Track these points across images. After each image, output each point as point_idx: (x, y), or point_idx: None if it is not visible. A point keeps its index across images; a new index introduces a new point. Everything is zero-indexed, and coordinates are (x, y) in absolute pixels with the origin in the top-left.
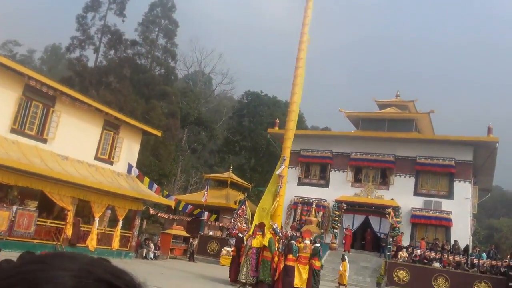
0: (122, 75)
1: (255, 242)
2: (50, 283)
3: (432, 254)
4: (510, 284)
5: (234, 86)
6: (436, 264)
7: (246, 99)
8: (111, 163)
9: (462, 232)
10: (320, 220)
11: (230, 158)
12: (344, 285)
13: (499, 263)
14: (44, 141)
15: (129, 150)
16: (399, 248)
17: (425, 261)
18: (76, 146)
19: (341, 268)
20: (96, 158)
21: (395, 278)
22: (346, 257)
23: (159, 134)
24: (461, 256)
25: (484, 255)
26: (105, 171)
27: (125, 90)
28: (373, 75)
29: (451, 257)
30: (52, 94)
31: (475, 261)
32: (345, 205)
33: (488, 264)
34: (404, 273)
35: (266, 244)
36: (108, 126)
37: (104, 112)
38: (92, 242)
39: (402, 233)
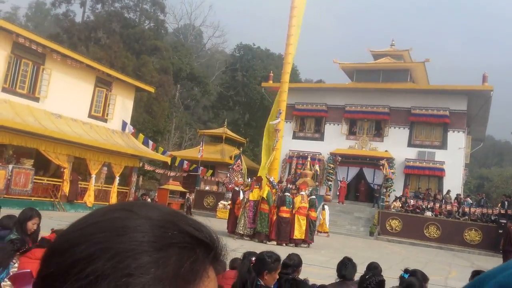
0: (111, 30)
1: (252, 195)
2: (138, 232)
3: (425, 204)
4: (500, 231)
5: (226, 39)
6: (428, 213)
7: (238, 53)
8: (105, 121)
9: (454, 182)
10: (315, 172)
11: (224, 113)
12: (325, 232)
13: (490, 211)
14: (37, 99)
15: (122, 107)
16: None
17: (418, 210)
18: (69, 104)
19: (321, 216)
20: (90, 116)
21: (388, 227)
22: (326, 206)
23: (152, 90)
24: (452, 204)
25: (469, 200)
26: (100, 129)
27: (115, 45)
28: (367, 24)
29: (442, 206)
30: (41, 52)
31: (466, 209)
32: (339, 158)
33: (479, 212)
34: (397, 222)
35: (265, 196)
36: (100, 83)
37: (96, 69)
38: (89, 199)
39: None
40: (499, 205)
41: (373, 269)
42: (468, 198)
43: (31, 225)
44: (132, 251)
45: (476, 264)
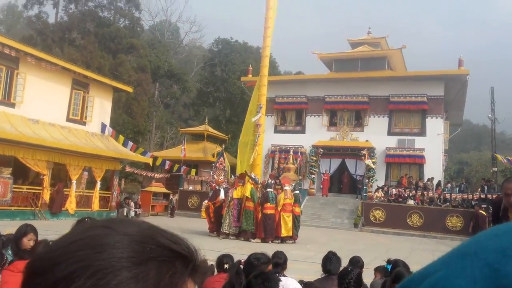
0: (86, 30)
1: (236, 193)
2: (117, 248)
3: (407, 192)
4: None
5: (203, 34)
6: (411, 202)
7: (216, 47)
8: (84, 124)
9: (434, 169)
10: (298, 166)
11: (205, 110)
12: None
13: (470, 196)
14: (12, 105)
15: (101, 108)
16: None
17: (400, 199)
18: (46, 108)
19: None
20: (68, 119)
21: (372, 218)
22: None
23: (130, 90)
24: (434, 192)
25: (449, 186)
26: (79, 132)
27: (91, 46)
28: (345, 12)
29: (424, 194)
30: (15, 56)
31: (447, 196)
32: (321, 150)
33: (460, 198)
34: (380, 213)
35: (248, 194)
36: (77, 85)
37: (72, 70)
38: (71, 205)
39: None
40: (479, 189)
41: (355, 263)
42: (448, 184)
43: (26, 241)
44: (111, 267)
45: None
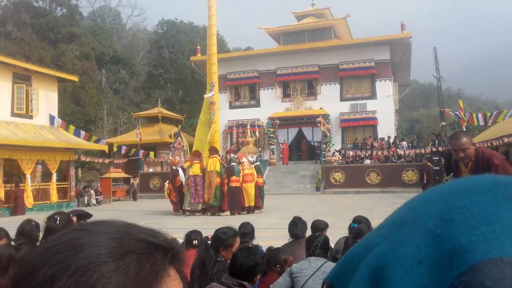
0: (21, 22)
1: (192, 171)
2: (95, 246)
3: (363, 153)
4: (434, 168)
5: (146, 17)
6: (367, 161)
7: (161, 29)
8: (31, 117)
9: (387, 128)
10: (256, 139)
11: (157, 93)
12: None
13: (423, 151)
14: None
15: (47, 100)
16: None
17: (357, 159)
18: None
19: None
20: (13, 114)
21: (332, 180)
22: None
23: (75, 79)
24: (388, 150)
25: (404, 144)
26: (26, 126)
27: (28, 37)
28: None
29: (379, 153)
30: None
31: (401, 152)
32: (278, 121)
33: (413, 154)
34: (340, 175)
35: (218, 169)
36: (18, 78)
37: (11, 64)
38: (28, 200)
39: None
40: (430, 144)
41: (316, 228)
42: (403, 142)
43: None
44: (91, 264)
45: None
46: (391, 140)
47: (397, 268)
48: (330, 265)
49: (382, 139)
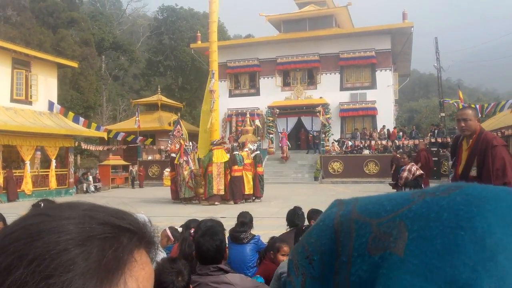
0: (21, 6)
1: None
2: (54, 233)
3: (362, 143)
4: (433, 158)
5: (146, 2)
6: (366, 152)
7: (161, 15)
8: (30, 103)
9: (386, 119)
10: (256, 127)
11: (156, 80)
12: None
13: (421, 141)
14: None
15: (46, 86)
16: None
17: (356, 149)
18: None
19: None
20: (13, 100)
21: (331, 170)
22: None
23: (75, 65)
24: (387, 140)
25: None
26: (25, 113)
27: (28, 22)
28: None
29: (378, 143)
30: None
31: (399, 143)
32: (277, 110)
33: (412, 144)
34: (338, 164)
35: (226, 160)
36: (17, 64)
37: (10, 50)
38: (27, 186)
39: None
40: (429, 134)
41: (312, 216)
42: (400, 133)
43: None
44: (48, 253)
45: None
46: (386, 131)
47: None
48: None
49: (383, 128)
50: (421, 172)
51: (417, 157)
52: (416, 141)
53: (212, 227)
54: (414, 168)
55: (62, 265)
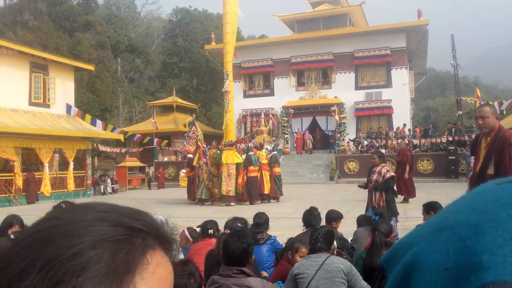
0: (38, 10)
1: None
2: (65, 237)
3: (378, 142)
4: (450, 157)
5: (160, 5)
6: (382, 151)
7: (175, 18)
8: (48, 106)
9: (402, 117)
10: (270, 128)
11: (171, 81)
12: None
13: (438, 140)
14: None
15: (63, 89)
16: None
17: (371, 150)
18: (6, 94)
19: None
20: (31, 103)
21: (346, 170)
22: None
23: (92, 68)
24: (403, 139)
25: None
26: (43, 116)
27: (45, 26)
28: None
29: (394, 142)
30: None
31: (416, 142)
32: (292, 110)
33: (428, 143)
34: (354, 164)
35: (237, 161)
36: (35, 68)
37: (28, 54)
38: (46, 188)
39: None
40: (446, 133)
41: (331, 217)
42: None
43: (11, 233)
44: (59, 258)
45: (431, 191)
46: (406, 129)
47: (426, 272)
48: (332, 261)
49: (399, 128)
50: (392, 174)
51: (403, 157)
52: (433, 140)
53: (242, 230)
54: (384, 170)
55: (72, 270)
